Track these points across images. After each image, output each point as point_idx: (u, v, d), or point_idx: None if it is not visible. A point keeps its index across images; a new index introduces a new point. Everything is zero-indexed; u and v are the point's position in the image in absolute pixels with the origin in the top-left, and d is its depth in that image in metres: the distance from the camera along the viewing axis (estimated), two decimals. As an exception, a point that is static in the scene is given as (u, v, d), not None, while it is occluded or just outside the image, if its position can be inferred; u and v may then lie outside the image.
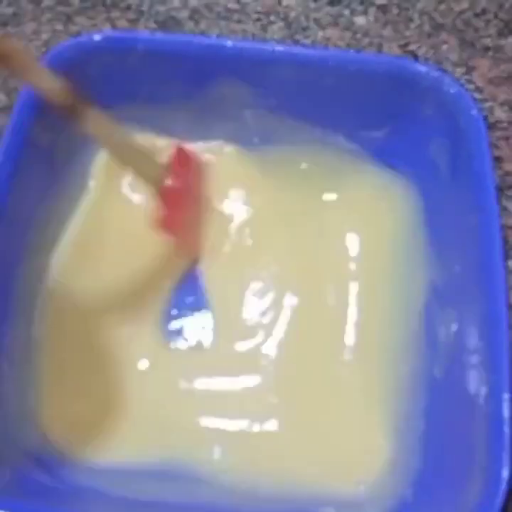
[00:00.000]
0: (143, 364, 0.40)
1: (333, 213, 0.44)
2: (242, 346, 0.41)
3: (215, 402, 0.39)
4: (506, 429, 0.30)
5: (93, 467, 0.37)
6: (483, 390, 0.32)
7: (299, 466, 0.37)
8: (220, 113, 0.43)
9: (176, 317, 0.42)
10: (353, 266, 0.43)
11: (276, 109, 0.42)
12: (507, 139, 0.48)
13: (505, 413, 0.30)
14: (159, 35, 0.45)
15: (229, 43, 0.40)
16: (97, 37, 0.40)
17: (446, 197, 0.39)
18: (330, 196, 0.45)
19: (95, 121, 0.37)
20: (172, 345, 0.41)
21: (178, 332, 0.41)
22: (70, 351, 0.40)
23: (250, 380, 0.40)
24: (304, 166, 0.45)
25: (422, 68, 0.39)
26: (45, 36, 0.51)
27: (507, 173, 0.47)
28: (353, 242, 0.44)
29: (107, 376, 0.40)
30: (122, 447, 0.38)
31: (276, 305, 0.42)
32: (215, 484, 0.37)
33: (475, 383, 0.32)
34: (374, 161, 0.43)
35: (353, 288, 0.42)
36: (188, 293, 0.42)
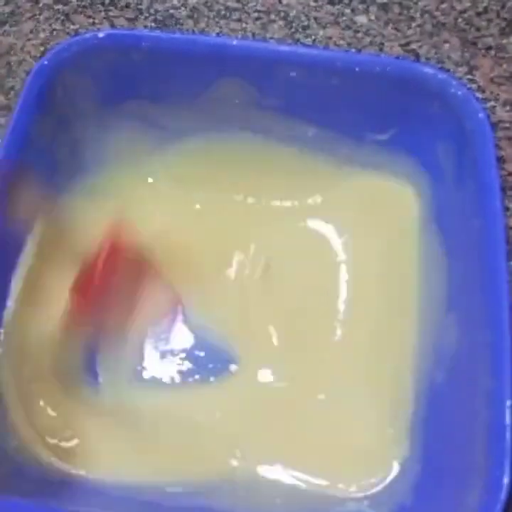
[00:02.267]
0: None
1: (335, 214, 0.44)
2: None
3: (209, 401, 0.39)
4: (507, 435, 0.29)
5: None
6: (485, 396, 0.31)
7: (295, 470, 0.37)
8: (224, 112, 0.42)
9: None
10: (355, 267, 0.43)
11: (281, 109, 0.42)
12: (509, 139, 0.48)
13: (507, 420, 0.30)
14: (164, 34, 0.45)
15: (234, 43, 0.40)
16: (101, 34, 0.40)
17: (451, 200, 0.39)
18: (333, 197, 0.44)
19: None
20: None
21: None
22: None
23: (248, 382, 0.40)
24: (307, 166, 0.44)
25: (428, 70, 0.39)
26: (43, 35, 0.51)
27: (509, 174, 0.46)
28: (355, 244, 0.43)
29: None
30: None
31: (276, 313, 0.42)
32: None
33: (476, 389, 0.32)
34: (379, 164, 0.43)
35: (357, 288, 0.42)
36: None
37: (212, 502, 0.36)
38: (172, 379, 0.40)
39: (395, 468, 0.36)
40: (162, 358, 0.40)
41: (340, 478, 0.37)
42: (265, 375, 0.40)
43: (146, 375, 0.40)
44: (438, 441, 0.35)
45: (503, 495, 0.29)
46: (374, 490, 0.36)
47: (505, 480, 0.29)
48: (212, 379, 0.40)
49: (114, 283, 0.40)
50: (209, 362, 0.40)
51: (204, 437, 0.38)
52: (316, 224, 0.44)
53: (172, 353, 0.41)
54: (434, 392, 0.36)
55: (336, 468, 0.37)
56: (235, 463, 0.37)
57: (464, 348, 0.35)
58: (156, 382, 0.40)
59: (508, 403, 0.30)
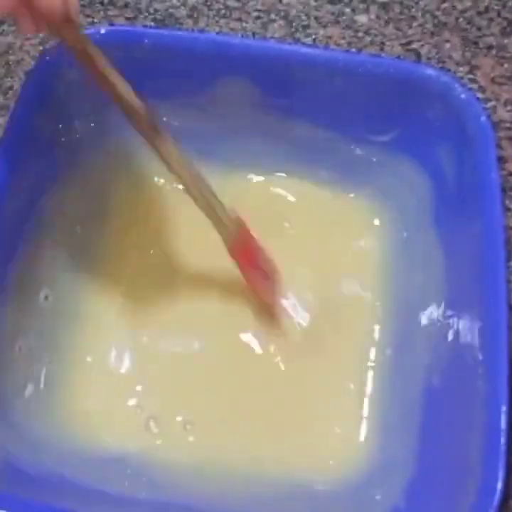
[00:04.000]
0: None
1: (335, 216, 0.44)
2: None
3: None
4: (502, 439, 0.29)
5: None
6: (481, 400, 0.31)
7: (282, 474, 0.37)
8: (226, 111, 0.42)
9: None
10: (357, 268, 0.43)
11: (283, 109, 0.42)
12: (510, 139, 0.47)
13: (502, 424, 0.30)
14: (166, 30, 0.44)
15: (237, 41, 0.40)
16: (102, 30, 0.40)
17: (451, 202, 0.39)
18: (333, 198, 0.44)
19: (171, 149, 0.36)
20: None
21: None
22: None
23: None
24: (306, 167, 0.44)
25: (431, 72, 0.38)
26: (41, 34, 0.50)
27: (510, 174, 0.46)
28: (355, 246, 0.44)
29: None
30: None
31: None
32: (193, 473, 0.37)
33: (473, 393, 0.32)
34: (380, 165, 0.43)
35: (355, 289, 0.42)
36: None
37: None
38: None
39: (389, 472, 0.36)
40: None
41: (327, 479, 0.37)
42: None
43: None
44: (433, 444, 0.34)
45: (496, 500, 0.28)
46: (365, 493, 0.36)
47: (499, 485, 0.29)
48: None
49: None
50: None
51: None
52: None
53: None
54: (429, 395, 0.36)
55: (323, 472, 0.37)
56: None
57: (461, 351, 0.35)
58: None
59: (503, 408, 0.30)
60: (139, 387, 0.40)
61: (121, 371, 0.40)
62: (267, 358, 0.41)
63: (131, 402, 0.39)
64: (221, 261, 0.41)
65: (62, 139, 0.41)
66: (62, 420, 0.38)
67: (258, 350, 0.41)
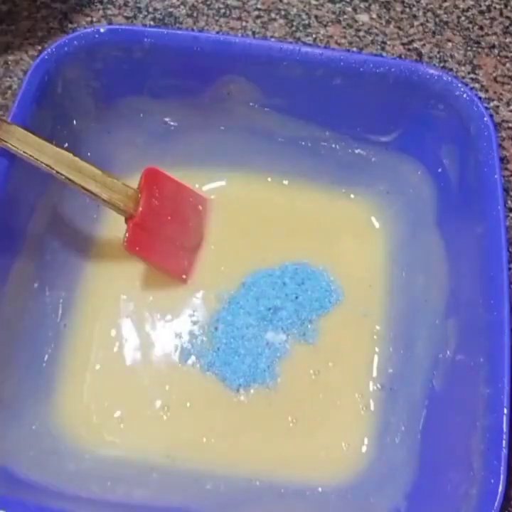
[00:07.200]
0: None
1: (336, 216, 0.44)
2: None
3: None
4: (504, 442, 0.29)
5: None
6: (482, 403, 0.31)
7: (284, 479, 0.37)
8: (226, 110, 0.42)
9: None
10: (358, 269, 0.43)
11: (283, 109, 0.41)
12: (513, 139, 0.47)
13: (504, 427, 0.30)
14: (165, 30, 0.44)
15: (237, 40, 0.39)
16: (102, 29, 0.39)
17: (454, 204, 0.39)
18: (334, 199, 0.44)
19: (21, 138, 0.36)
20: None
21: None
22: None
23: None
24: (307, 167, 0.44)
25: (433, 72, 0.38)
26: (40, 34, 0.50)
27: (512, 174, 0.46)
28: (356, 246, 0.43)
29: None
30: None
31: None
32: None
33: (474, 396, 0.32)
34: (382, 165, 0.43)
35: (356, 290, 0.42)
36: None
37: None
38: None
39: (390, 476, 0.36)
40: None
41: (327, 482, 0.37)
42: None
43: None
44: (434, 447, 0.34)
45: (497, 503, 0.28)
46: (366, 498, 0.36)
47: (500, 488, 0.29)
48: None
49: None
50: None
51: None
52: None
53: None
54: (431, 399, 0.36)
55: (322, 475, 0.37)
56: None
57: (463, 354, 0.34)
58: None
59: (505, 410, 0.30)
60: (140, 387, 0.40)
61: (120, 372, 0.40)
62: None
63: (135, 403, 0.39)
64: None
65: (63, 135, 0.40)
66: (61, 423, 0.38)
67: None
